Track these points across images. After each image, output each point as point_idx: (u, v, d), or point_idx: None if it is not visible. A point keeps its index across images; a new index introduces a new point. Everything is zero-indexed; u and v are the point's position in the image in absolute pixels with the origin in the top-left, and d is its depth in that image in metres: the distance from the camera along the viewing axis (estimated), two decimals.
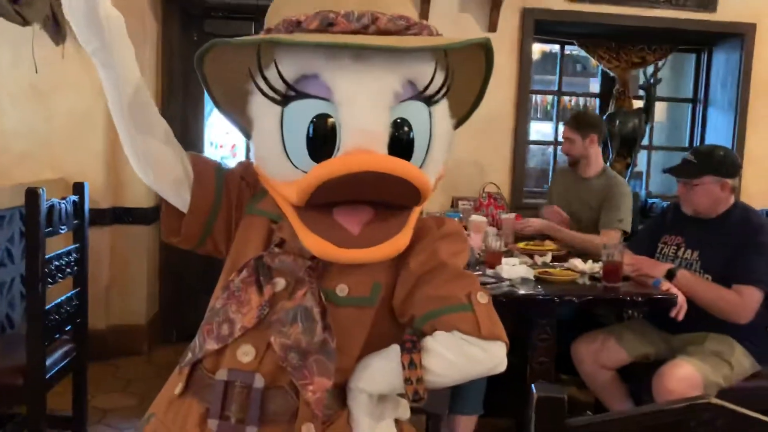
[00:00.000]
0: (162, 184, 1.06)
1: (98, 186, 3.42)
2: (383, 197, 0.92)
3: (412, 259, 1.01)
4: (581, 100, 5.93)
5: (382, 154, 0.92)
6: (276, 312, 0.98)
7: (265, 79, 0.94)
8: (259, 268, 1.01)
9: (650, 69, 4.31)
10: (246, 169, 1.12)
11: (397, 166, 0.89)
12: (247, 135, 1.06)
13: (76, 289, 2.44)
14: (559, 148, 4.44)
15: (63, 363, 2.33)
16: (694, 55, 4.48)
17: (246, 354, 0.98)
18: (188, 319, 3.31)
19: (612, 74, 4.24)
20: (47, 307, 2.19)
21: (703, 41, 4.32)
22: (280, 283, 1.00)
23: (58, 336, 2.30)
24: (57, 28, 3.19)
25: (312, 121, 0.93)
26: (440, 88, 0.98)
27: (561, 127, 4.48)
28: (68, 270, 2.36)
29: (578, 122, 3.28)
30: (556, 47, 4.39)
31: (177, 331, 3.85)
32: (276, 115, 0.95)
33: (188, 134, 3.89)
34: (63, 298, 2.33)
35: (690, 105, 4.53)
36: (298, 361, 0.95)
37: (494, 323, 0.98)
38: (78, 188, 2.46)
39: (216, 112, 1.17)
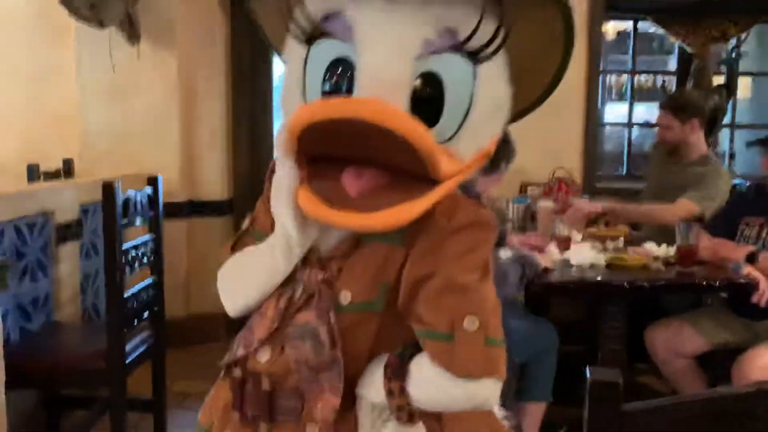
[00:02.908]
0: None
1: (174, 180, 3.56)
2: (375, 154, 0.79)
3: (410, 259, 0.89)
4: (658, 79, 5.69)
5: (380, 101, 0.76)
6: (288, 325, 0.94)
7: (293, 17, 0.85)
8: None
9: (732, 42, 4.08)
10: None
11: (392, 118, 0.74)
12: None
13: (152, 278, 2.55)
14: (634, 129, 4.31)
15: (142, 348, 2.44)
16: None
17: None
18: None
19: (690, 50, 4.03)
20: (126, 295, 2.30)
21: None
22: (297, 293, 0.95)
23: (136, 323, 2.41)
24: (132, 29, 3.34)
25: (329, 64, 0.83)
26: (489, 42, 0.81)
27: (637, 108, 4.35)
28: (144, 260, 2.47)
29: (676, 106, 2.96)
30: (631, 25, 4.22)
31: None
32: (301, 56, 0.86)
33: (256, 131, 3.98)
34: (140, 286, 2.44)
35: None
36: (309, 375, 0.91)
37: (474, 359, 0.85)
38: (152, 181, 2.57)
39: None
